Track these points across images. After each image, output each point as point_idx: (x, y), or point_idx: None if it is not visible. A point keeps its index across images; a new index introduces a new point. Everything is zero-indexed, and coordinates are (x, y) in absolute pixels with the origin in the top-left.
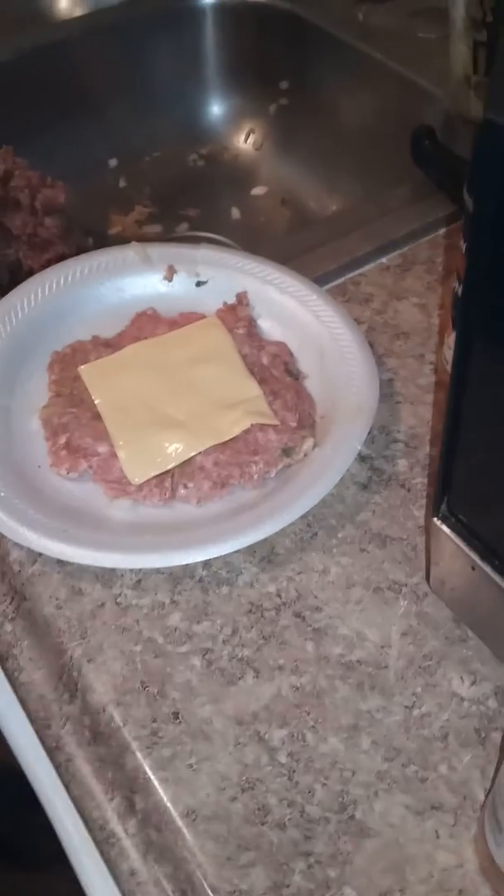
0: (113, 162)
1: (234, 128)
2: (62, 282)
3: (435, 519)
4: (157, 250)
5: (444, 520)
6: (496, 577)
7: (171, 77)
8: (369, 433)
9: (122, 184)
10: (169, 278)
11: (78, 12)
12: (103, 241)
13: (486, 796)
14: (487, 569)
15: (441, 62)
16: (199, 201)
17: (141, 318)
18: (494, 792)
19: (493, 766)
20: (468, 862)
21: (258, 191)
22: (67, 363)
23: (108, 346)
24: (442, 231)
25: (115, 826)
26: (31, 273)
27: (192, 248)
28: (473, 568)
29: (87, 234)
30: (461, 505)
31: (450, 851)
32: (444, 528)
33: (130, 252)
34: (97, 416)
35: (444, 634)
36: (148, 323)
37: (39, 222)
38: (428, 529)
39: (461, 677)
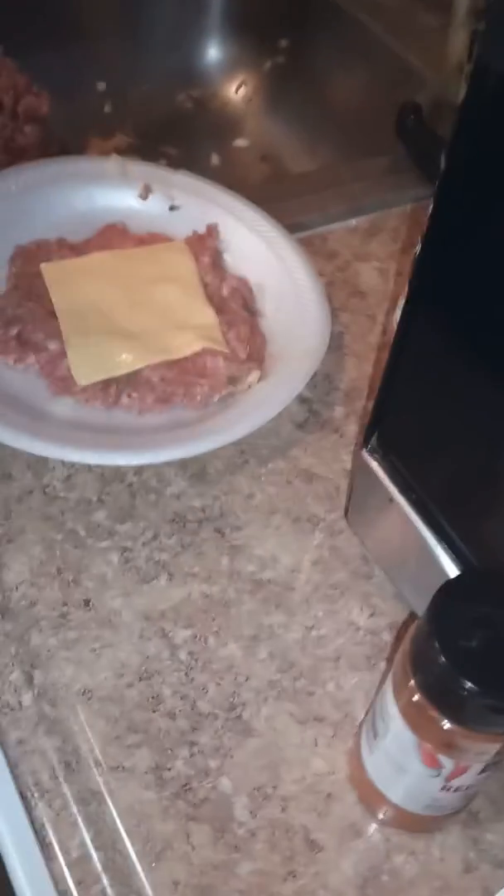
0: (101, 86)
1: (228, 77)
2: (36, 179)
3: (363, 451)
4: (135, 167)
5: (372, 452)
6: (410, 510)
7: (173, 14)
8: (313, 378)
9: (106, 109)
10: (144, 197)
11: None
12: None
13: (366, 714)
14: (403, 501)
15: (437, 49)
16: (180, 142)
17: (109, 229)
18: (376, 701)
19: (376, 690)
20: (340, 771)
21: (241, 142)
22: (30, 258)
23: (73, 249)
24: (412, 205)
25: (10, 697)
26: None
27: (171, 171)
28: (391, 500)
29: (63, 150)
30: (389, 440)
31: (324, 759)
32: (371, 460)
33: (108, 163)
34: (52, 315)
35: (352, 569)
36: (116, 236)
37: (18, 128)
38: (354, 463)
39: (361, 608)
